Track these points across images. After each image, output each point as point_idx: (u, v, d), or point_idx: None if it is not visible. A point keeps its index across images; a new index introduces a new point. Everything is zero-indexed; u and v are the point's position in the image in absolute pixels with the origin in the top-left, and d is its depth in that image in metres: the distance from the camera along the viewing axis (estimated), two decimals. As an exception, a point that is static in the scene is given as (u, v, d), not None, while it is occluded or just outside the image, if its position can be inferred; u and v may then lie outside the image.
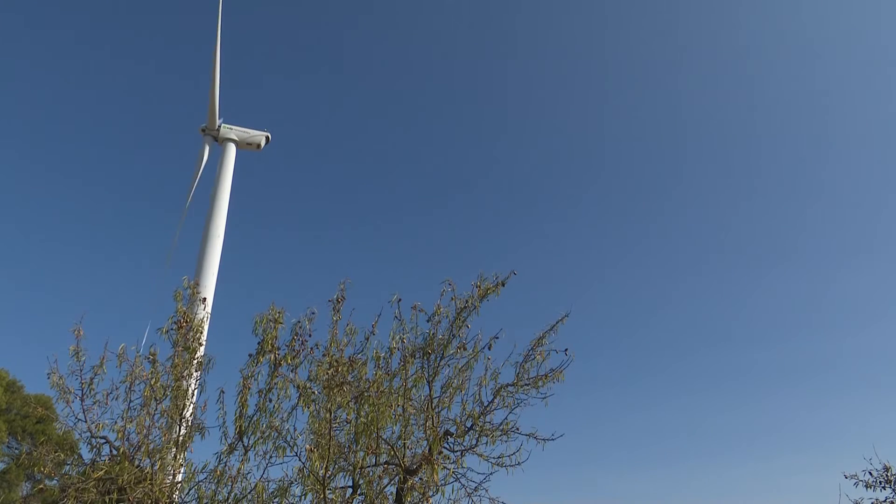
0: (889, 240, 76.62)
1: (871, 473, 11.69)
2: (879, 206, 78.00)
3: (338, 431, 7.36)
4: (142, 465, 7.49)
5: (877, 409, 62.97)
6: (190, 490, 7.50)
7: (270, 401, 7.59)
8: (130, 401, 7.79)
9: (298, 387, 7.58)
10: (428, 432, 7.45)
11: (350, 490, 7.28)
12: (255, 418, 7.53)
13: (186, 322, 8.39)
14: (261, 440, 7.45)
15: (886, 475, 11.57)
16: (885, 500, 11.39)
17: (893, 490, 11.44)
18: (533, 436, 7.47)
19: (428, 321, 7.87)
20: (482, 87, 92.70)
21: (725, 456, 63.22)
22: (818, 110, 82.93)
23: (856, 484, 11.68)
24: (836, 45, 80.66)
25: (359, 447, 7.17)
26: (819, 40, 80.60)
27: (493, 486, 7.28)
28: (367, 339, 7.81)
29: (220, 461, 7.46)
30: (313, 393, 7.47)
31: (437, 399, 7.75)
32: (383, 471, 7.36)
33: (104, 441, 7.76)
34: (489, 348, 7.77)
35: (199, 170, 22.33)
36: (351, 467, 7.23)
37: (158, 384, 7.83)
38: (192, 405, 8.00)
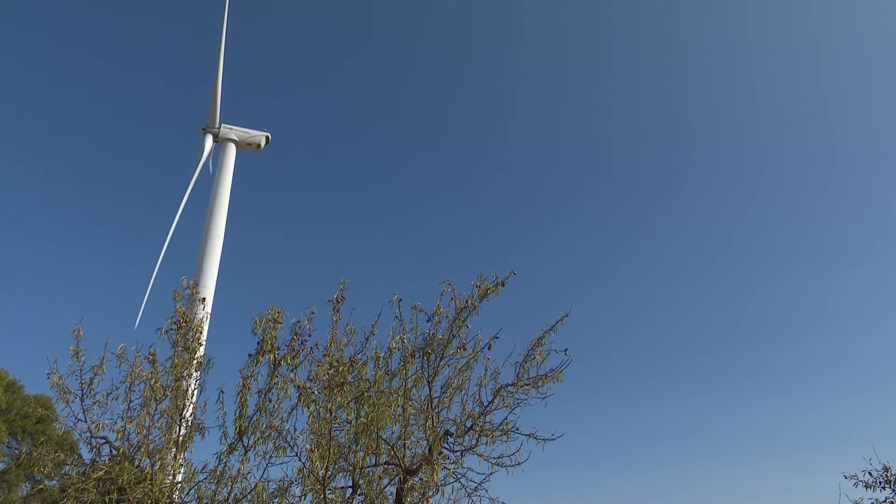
0: (892, 241, 76.67)
1: (870, 474, 11.70)
2: (884, 209, 78.02)
3: (338, 431, 7.36)
4: (142, 465, 7.49)
5: (877, 410, 63.03)
6: (190, 490, 7.50)
7: (270, 401, 7.60)
8: (130, 401, 7.80)
9: (298, 387, 7.58)
10: (428, 432, 7.45)
11: (350, 490, 7.28)
12: (255, 418, 7.53)
13: (186, 322, 8.39)
14: (261, 440, 7.45)
15: (886, 475, 11.57)
16: (884, 501, 11.40)
17: (893, 490, 11.45)
18: (533, 436, 7.47)
19: (428, 321, 7.88)
20: (484, 88, 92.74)
21: (726, 456, 63.23)
22: (821, 112, 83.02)
23: (856, 484, 11.69)
24: (839, 46, 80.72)
25: (359, 447, 7.17)
26: (822, 42, 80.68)
27: (493, 486, 7.29)
28: (367, 339, 7.82)
29: (220, 461, 7.47)
30: (313, 393, 7.47)
31: (437, 399, 7.75)
32: (383, 471, 7.36)
33: (104, 441, 7.77)
34: (489, 348, 7.77)
35: (198, 168, 22.36)
36: (351, 467, 7.23)
37: (158, 384, 7.83)
38: (191, 405, 8.00)
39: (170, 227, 21.03)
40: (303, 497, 7.09)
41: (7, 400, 28.61)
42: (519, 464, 7.33)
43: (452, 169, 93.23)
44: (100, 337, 8.08)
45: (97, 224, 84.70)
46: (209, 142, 22.71)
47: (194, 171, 22.33)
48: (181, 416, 7.79)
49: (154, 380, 7.83)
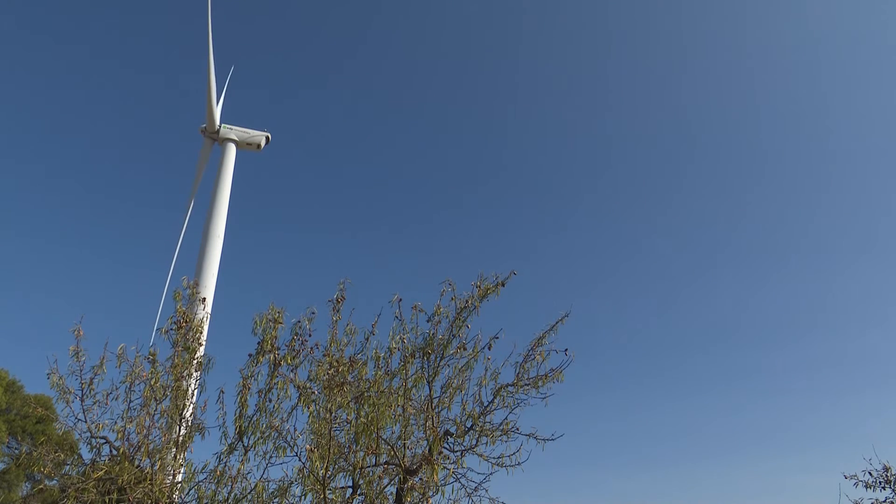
0: (892, 241, 76.67)
1: (870, 474, 11.69)
2: (882, 208, 78.06)
3: (338, 431, 7.36)
4: (142, 465, 7.48)
5: (877, 409, 63.02)
6: (190, 490, 7.50)
7: (270, 401, 7.59)
8: (130, 401, 7.79)
9: (298, 387, 7.58)
10: (428, 432, 7.45)
11: (350, 490, 7.28)
12: (255, 418, 7.53)
13: (186, 322, 8.39)
14: (261, 440, 7.45)
15: (886, 475, 11.56)
16: (884, 501, 11.39)
17: (893, 490, 11.44)
18: (533, 436, 7.46)
19: (428, 321, 7.87)
20: (484, 88, 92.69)
21: (726, 456, 63.27)
22: (821, 111, 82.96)
23: (856, 484, 11.68)
24: (837, 46, 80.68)
25: (359, 447, 7.17)
26: (822, 42, 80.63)
27: (493, 486, 7.29)
28: (367, 339, 7.82)
29: (220, 461, 7.46)
30: (313, 393, 7.47)
31: (437, 399, 7.75)
32: (383, 471, 7.36)
33: (104, 441, 7.77)
34: (489, 348, 7.77)
35: (200, 172, 22.40)
36: (351, 467, 7.23)
37: (158, 384, 7.82)
38: (192, 405, 8.00)
39: (177, 239, 21.12)
40: (303, 497, 7.09)
41: (7, 400, 28.59)
42: (519, 464, 7.33)
43: (452, 169, 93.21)
44: (100, 337, 8.08)
45: (97, 224, 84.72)
46: (208, 144, 22.74)
47: (197, 177, 22.39)
48: (181, 416, 7.78)
49: (154, 380, 7.82)
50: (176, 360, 8.02)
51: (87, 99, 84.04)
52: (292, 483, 7.18)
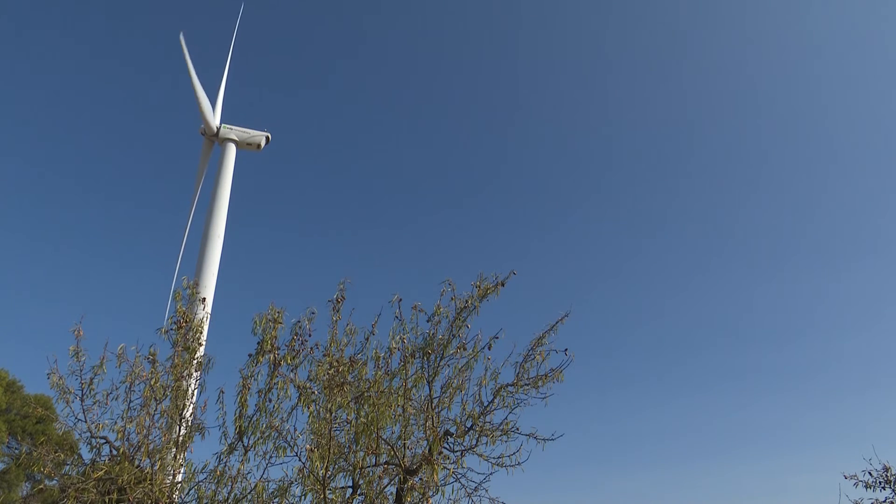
0: (888, 242, 76.75)
1: (870, 474, 11.67)
2: (878, 209, 78.14)
3: (338, 431, 7.36)
4: (142, 465, 7.48)
5: (876, 409, 63.04)
6: (190, 490, 7.50)
7: (270, 401, 7.59)
8: (130, 401, 7.79)
9: (298, 387, 7.58)
10: (428, 432, 7.45)
11: (350, 490, 7.28)
12: (255, 418, 7.53)
13: (186, 322, 8.39)
14: (261, 440, 7.44)
15: (886, 475, 11.55)
16: (884, 501, 11.38)
17: (893, 490, 11.43)
18: (533, 436, 7.46)
19: (428, 321, 7.87)
20: (485, 88, 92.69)
21: (726, 456, 63.30)
22: (819, 113, 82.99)
23: (855, 484, 11.66)
24: (836, 47, 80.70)
25: (359, 447, 7.17)
26: (819, 42, 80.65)
27: (493, 486, 7.29)
28: (367, 339, 7.82)
29: (220, 461, 7.46)
30: (313, 393, 7.47)
31: (437, 399, 7.74)
32: (383, 471, 7.36)
33: (104, 441, 7.76)
34: (489, 348, 7.76)
35: (201, 172, 22.42)
36: (351, 467, 7.23)
37: (158, 384, 7.82)
38: (192, 405, 8.00)
39: (181, 240, 21.12)
40: (303, 497, 7.09)
41: (7, 400, 28.58)
42: (519, 464, 7.33)
43: (452, 169, 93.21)
44: (100, 337, 8.07)
45: (98, 224, 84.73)
46: (208, 145, 22.77)
47: (198, 179, 22.41)
48: (181, 416, 7.78)
49: (154, 380, 7.82)
50: (176, 360, 8.01)
51: (87, 99, 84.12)
52: (292, 483, 7.19)
